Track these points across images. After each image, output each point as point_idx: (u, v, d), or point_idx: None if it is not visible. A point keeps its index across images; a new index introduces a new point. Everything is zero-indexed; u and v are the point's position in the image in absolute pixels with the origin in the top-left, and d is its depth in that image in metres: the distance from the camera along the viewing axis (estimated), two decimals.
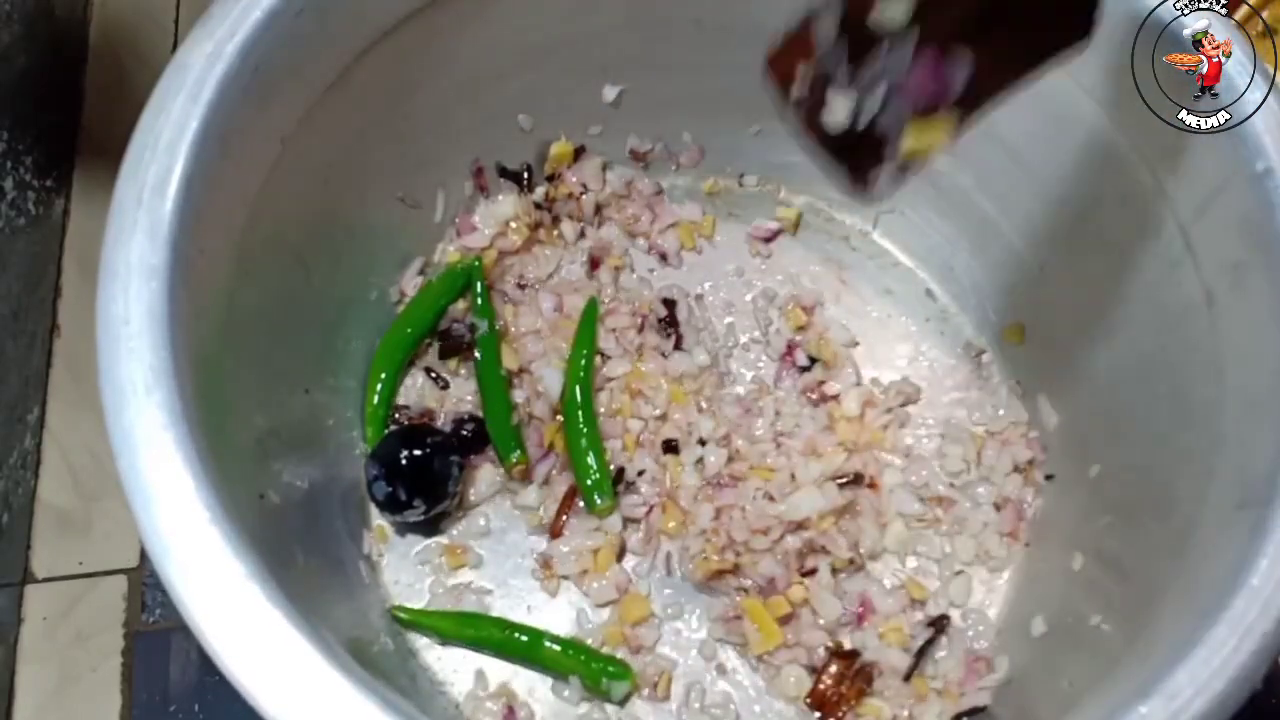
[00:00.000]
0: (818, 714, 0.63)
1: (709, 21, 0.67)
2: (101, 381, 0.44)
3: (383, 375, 0.68)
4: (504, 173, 0.74)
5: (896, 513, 0.68)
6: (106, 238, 0.46)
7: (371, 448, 0.66)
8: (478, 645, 0.63)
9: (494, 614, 0.65)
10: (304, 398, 0.63)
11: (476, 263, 0.71)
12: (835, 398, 0.71)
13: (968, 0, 0.43)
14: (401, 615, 0.63)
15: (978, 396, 0.73)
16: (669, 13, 0.67)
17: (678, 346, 0.71)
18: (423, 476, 0.64)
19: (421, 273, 0.72)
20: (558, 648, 0.62)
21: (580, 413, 0.68)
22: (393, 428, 0.68)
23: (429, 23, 0.60)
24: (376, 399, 0.68)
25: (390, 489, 0.63)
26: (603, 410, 0.69)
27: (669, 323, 0.72)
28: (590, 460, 0.66)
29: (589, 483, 0.66)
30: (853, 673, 0.63)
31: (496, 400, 0.68)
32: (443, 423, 0.69)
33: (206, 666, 0.66)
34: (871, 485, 0.68)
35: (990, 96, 0.46)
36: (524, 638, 0.63)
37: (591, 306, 0.71)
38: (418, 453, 0.63)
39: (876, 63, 0.44)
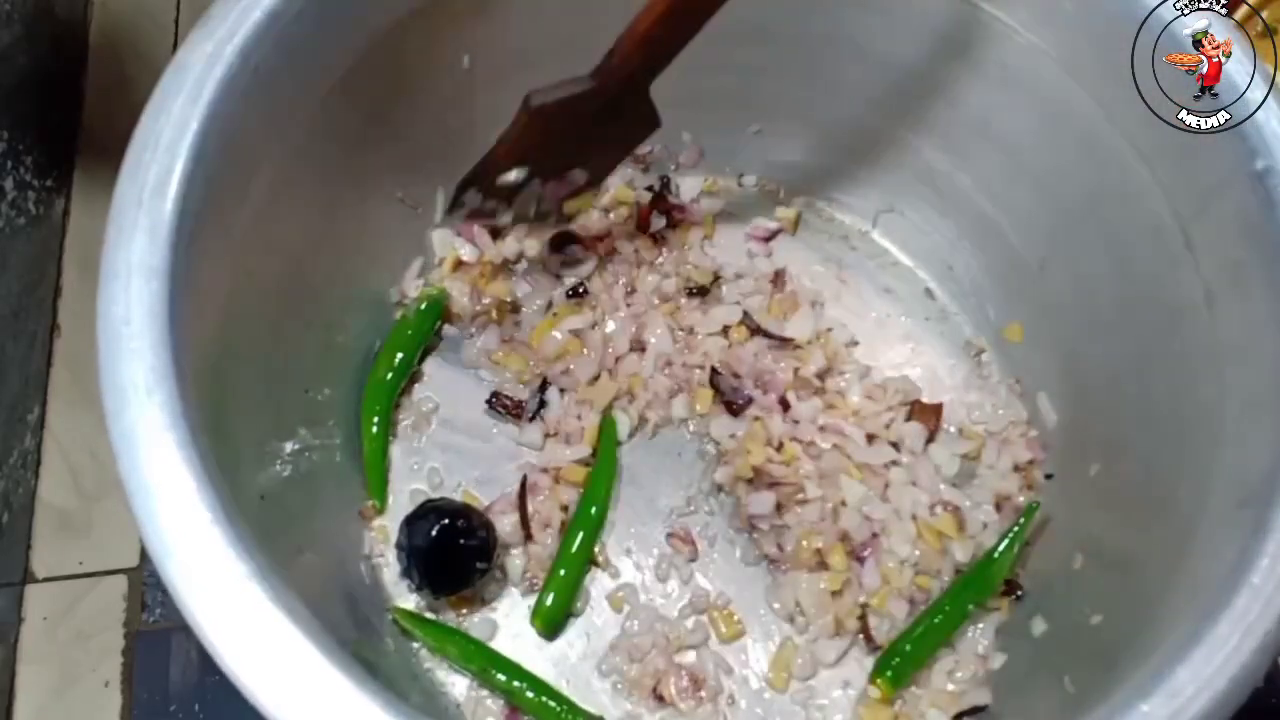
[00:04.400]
0: None
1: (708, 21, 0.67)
2: (102, 382, 0.44)
3: (375, 421, 0.67)
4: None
5: (894, 510, 0.68)
6: (107, 238, 0.46)
7: (406, 516, 0.64)
8: (461, 665, 0.63)
9: (498, 619, 0.65)
10: (304, 397, 0.63)
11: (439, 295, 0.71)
12: (840, 393, 0.71)
13: (562, 147, 0.62)
14: (400, 618, 0.63)
15: (977, 396, 0.73)
16: None
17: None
18: (443, 571, 0.63)
19: (421, 273, 0.72)
20: (532, 695, 0.61)
21: (576, 546, 0.66)
22: (438, 500, 0.65)
23: (429, 23, 0.60)
24: (371, 446, 0.67)
25: (407, 564, 0.63)
26: None
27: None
28: (554, 588, 0.65)
29: (545, 604, 0.64)
30: None
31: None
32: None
33: (207, 666, 0.66)
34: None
35: (608, 173, 0.69)
36: (501, 675, 0.62)
37: (610, 428, 0.70)
38: (447, 545, 0.62)
39: (521, 192, 0.65)
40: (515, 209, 0.66)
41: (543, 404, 0.70)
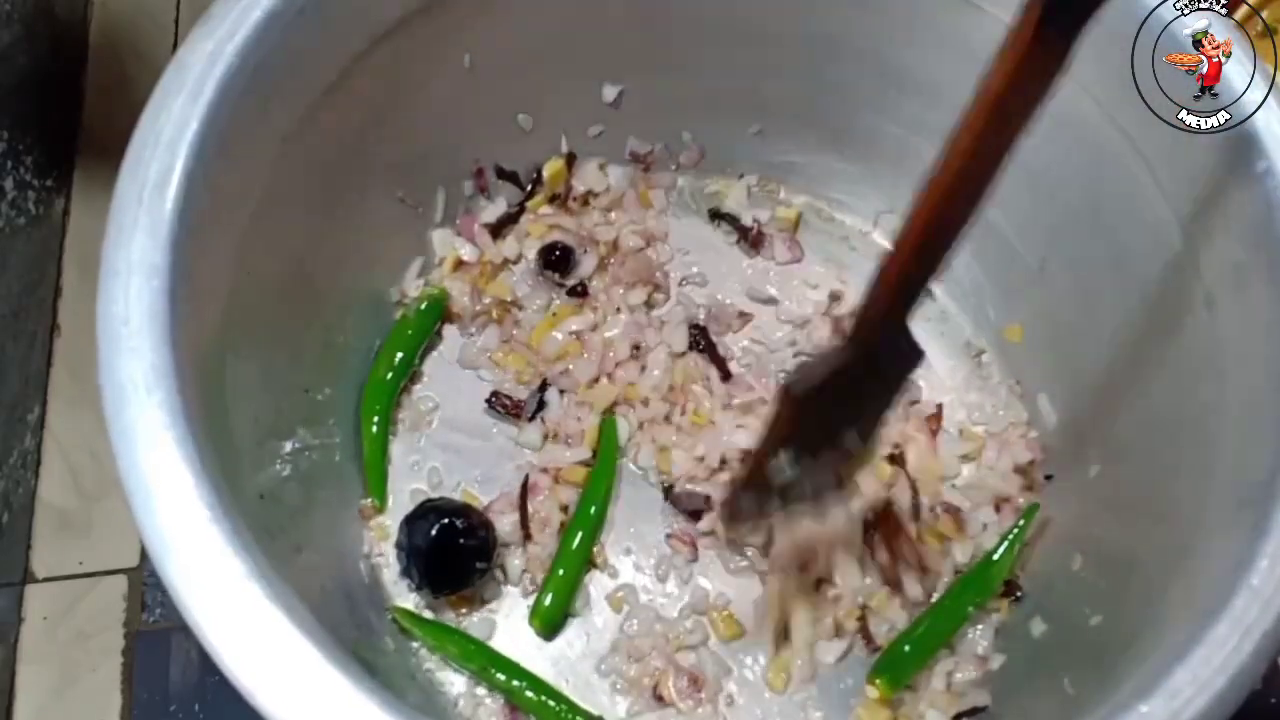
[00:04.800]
0: None
1: (709, 21, 0.67)
2: (102, 381, 0.44)
3: (375, 420, 0.67)
4: (502, 174, 0.74)
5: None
6: (107, 237, 0.46)
7: (406, 516, 0.64)
8: (461, 664, 0.63)
9: (498, 619, 0.65)
10: (304, 397, 0.63)
11: (439, 294, 0.71)
12: None
13: (827, 419, 0.56)
14: (399, 617, 0.63)
15: (977, 397, 0.73)
16: (669, 13, 0.67)
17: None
18: (443, 570, 0.63)
19: (421, 273, 0.72)
20: (532, 694, 0.61)
21: (576, 545, 0.66)
22: (438, 500, 0.65)
23: (429, 23, 0.60)
24: (371, 445, 0.67)
25: (406, 564, 0.63)
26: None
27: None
28: (553, 588, 0.65)
29: (543, 604, 0.64)
30: None
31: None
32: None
33: (206, 666, 0.66)
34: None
35: (878, 425, 0.59)
36: (501, 675, 0.62)
37: (610, 429, 0.69)
38: (447, 545, 0.62)
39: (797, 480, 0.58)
40: (791, 497, 0.60)
41: (542, 404, 0.70)
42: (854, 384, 0.54)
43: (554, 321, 0.72)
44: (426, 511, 0.63)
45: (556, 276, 0.73)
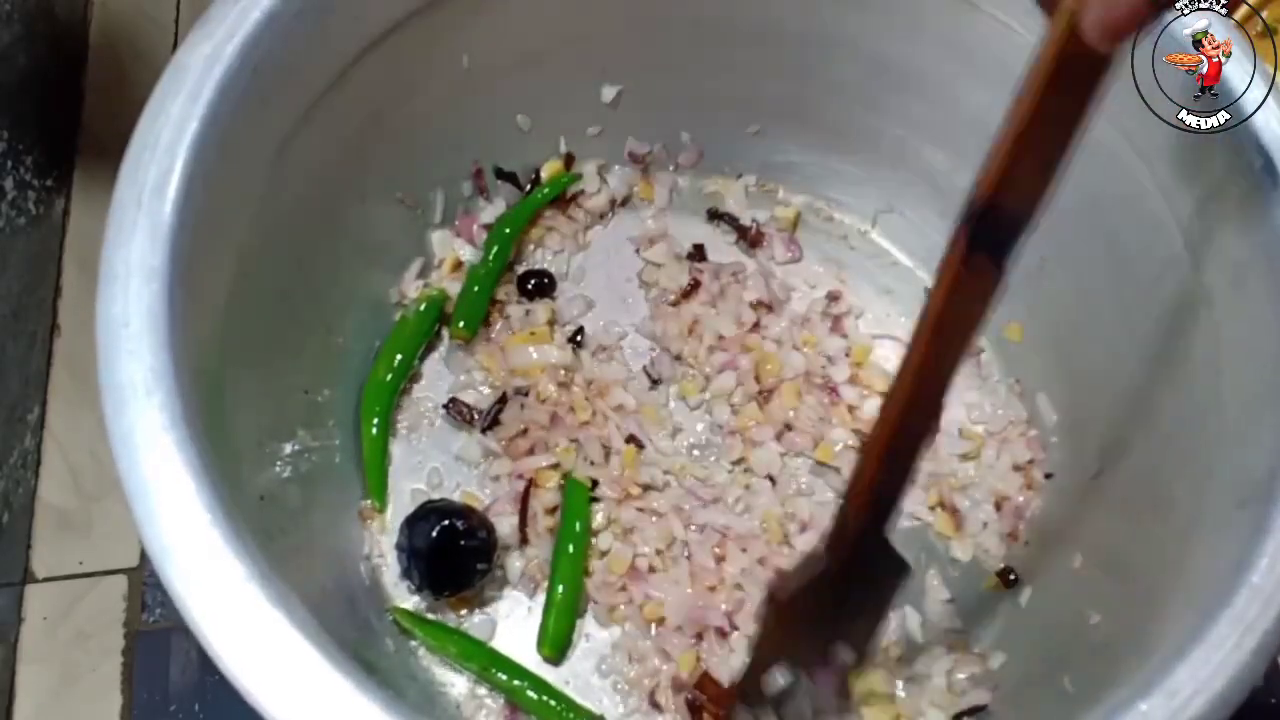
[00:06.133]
0: None
1: (708, 21, 0.67)
2: (101, 383, 0.44)
3: (375, 422, 0.67)
4: (501, 174, 0.74)
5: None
6: (106, 239, 0.46)
7: (407, 517, 0.64)
8: (461, 664, 0.63)
9: (498, 619, 0.65)
10: (303, 398, 0.63)
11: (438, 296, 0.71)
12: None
13: (818, 629, 0.56)
14: (400, 618, 0.63)
15: (977, 395, 0.72)
16: (668, 13, 0.67)
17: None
18: (444, 572, 0.62)
19: (421, 274, 0.72)
20: (533, 694, 0.61)
21: (567, 566, 0.65)
22: (438, 501, 0.65)
23: (428, 23, 0.60)
24: (371, 447, 0.67)
25: (407, 565, 0.63)
26: None
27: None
28: (554, 612, 0.64)
29: (546, 629, 0.64)
30: None
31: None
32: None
33: (206, 666, 0.66)
34: None
35: (870, 636, 0.59)
36: (502, 675, 0.62)
37: (577, 490, 0.67)
38: (448, 546, 0.61)
39: (793, 695, 0.58)
40: (789, 715, 0.59)
41: (496, 422, 0.69)
42: (840, 595, 0.54)
43: (530, 339, 0.71)
44: (427, 513, 0.63)
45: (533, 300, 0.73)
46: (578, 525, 0.66)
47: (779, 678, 0.57)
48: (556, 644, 0.64)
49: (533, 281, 0.73)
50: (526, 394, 0.69)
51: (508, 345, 0.71)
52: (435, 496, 0.67)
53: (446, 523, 0.62)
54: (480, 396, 0.70)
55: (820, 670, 0.58)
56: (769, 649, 0.57)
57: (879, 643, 0.62)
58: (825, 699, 0.60)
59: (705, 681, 0.62)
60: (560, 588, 0.64)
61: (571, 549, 0.65)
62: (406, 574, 0.63)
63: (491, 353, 0.71)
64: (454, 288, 0.72)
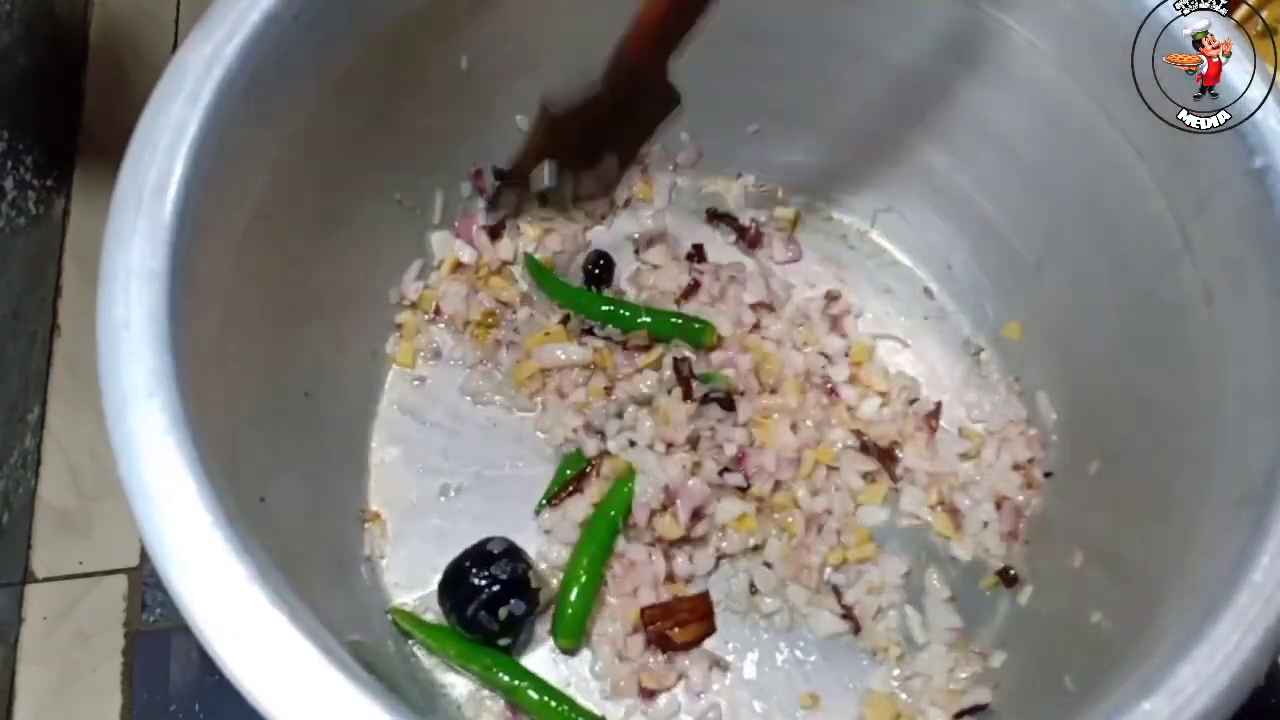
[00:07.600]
0: None
1: (706, 21, 0.67)
2: (102, 385, 0.44)
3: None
4: (501, 174, 0.74)
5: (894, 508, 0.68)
6: (106, 241, 0.46)
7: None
8: (462, 665, 0.63)
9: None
10: (304, 400, 0.63)
11: None
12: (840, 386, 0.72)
13: (586, 140, 0.63)
14: (400, 619, 0.63)
15: (976, 394, 0.73)
16: None
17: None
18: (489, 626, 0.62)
19: (421, 275, 0.72)
20: (534, 694, 0.61)
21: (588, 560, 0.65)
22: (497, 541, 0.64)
23: (427, 24, 0.60)
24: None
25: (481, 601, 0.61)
26: None
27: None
28: (572, 597, 0.64)
29: (565, 614, 0.64)
30: None
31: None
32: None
33: (206, 666, 0.66)
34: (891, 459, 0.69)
35: (636, 155, 0.68)
36: (504, 675, 0.61)
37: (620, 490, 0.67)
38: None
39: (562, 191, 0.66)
40: (550, 202, 0.69)
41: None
42: (614, 115, 0.60)
43: (546, 339, 0.71)
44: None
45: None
46: (613, 513, 0.65)
47: (545, 178, 0.63)
48: (571, 630, 0.63)
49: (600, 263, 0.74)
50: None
51: (529, 346, 0.71)
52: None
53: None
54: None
55: (585, 172, 0.66)
56: (540, 150, 0.63)
57: (644, 155, 0.73)
58: (586, 187, 0.67)
59: (648, 613, 0.64)
60: (583, 576, 0.64)
61: (605, 537, 0.65)
62: (485, 607, 0.61)
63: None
64: (453, 288, 0.72)
